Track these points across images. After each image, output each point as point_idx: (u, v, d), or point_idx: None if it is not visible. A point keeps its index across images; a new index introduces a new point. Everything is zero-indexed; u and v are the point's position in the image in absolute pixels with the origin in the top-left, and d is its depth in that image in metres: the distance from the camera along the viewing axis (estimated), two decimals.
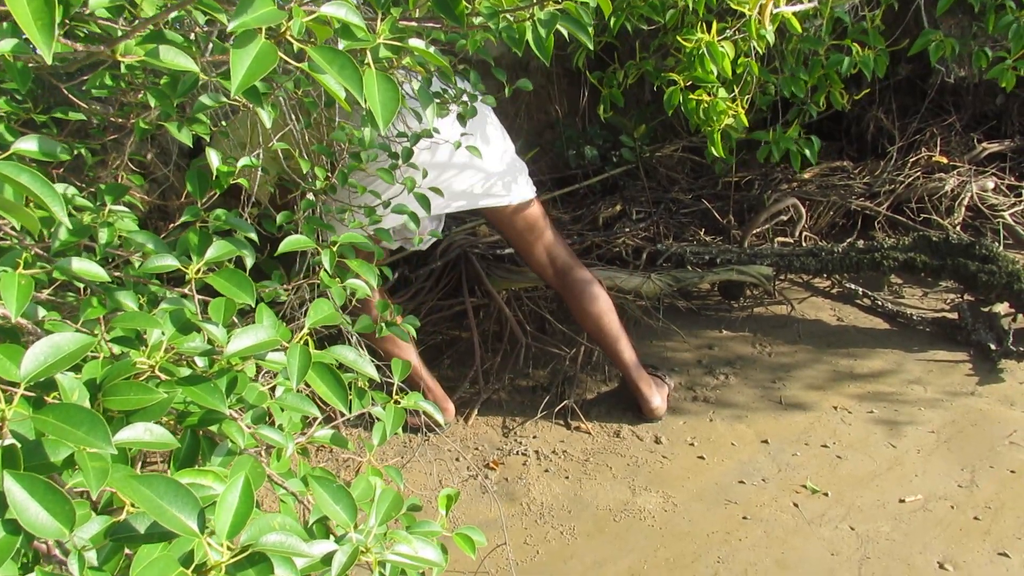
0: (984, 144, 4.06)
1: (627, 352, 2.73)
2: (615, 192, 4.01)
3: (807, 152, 2.81)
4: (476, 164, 2.33)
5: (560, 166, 4.12)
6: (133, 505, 0.67)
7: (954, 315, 3.26)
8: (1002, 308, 3.19)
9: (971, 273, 3.13)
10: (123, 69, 1.07)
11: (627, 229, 3.68)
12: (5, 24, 0.67)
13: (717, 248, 3.50)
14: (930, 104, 4.12)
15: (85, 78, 1.22)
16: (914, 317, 3.29)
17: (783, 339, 3.26)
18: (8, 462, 0.57)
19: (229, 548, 0.58)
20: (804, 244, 3.71)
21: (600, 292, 2.68)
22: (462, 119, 1.75)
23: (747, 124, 2.52)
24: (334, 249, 1.12)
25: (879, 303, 3.41)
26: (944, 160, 3.94)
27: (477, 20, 1.09)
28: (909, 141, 4.08)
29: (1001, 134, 4.22)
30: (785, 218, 3.82)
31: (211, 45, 1.02)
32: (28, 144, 0.69)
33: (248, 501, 0.60)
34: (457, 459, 2.63)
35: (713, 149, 2.50)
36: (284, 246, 1.04)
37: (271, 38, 0.68)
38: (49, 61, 0.55)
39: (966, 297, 3.32)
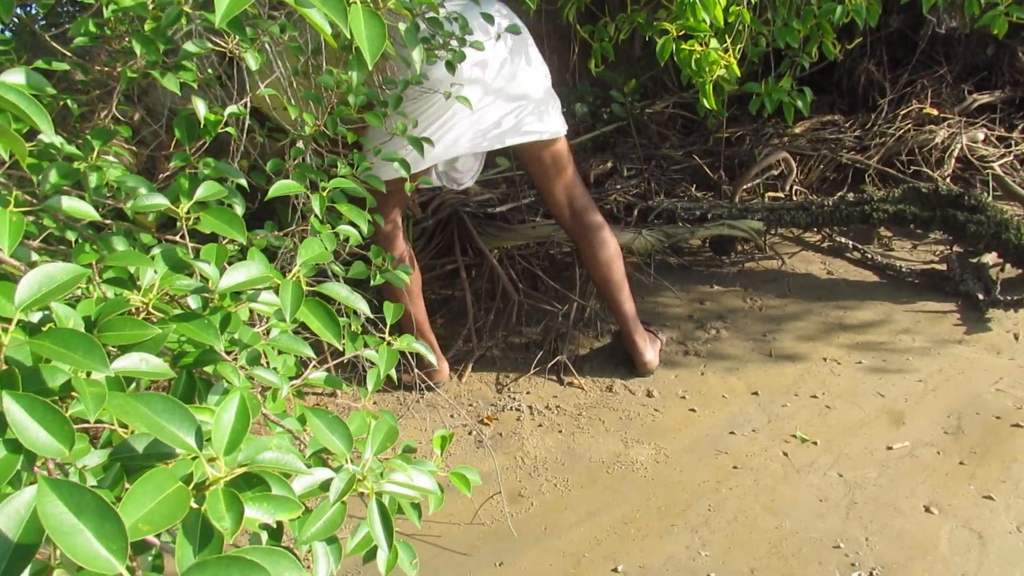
0: (975, 95, 4.06)
1: (628, 303, 2.74)
2: (606, 149, 4.00)
3: (799, 104, 2.80)
4: (519, 89, 2.33)
5: None
6: (131, 434, 0.68)
7: (943, 266, 3.29)
8: (990, 258, 3.22)
9: (960, 223, 3.15)
10: (107, 14, 1.06)
11: (618, 186, 3.68)
12: None
13: (708, 203, 3.51)
14: (921, 56, 4.10)
15: (68, 26, 1.21)
16: (903, 269, 3.32)
17: (774, 293, 3.28)
18: (7, 385, 0.58)
19: (226, 468, 0.59)
20: (795, 198, 3.72)
21: (611, 239, 2.69)
22: (451, 67, 1.74)
23: (739, 75, 2.51)
24: (324, 195, 1.12)
25: (869, 256, 3.43)
26: (935, 112, 3.94)
27: None
28: (900, 93, 4.07)
29: (991, 85, 4.21)
30: (776, 173, 3.82)
31: None
32: (16, 77, 0.69)
33: (244, 419, 0.61)
34: (452, 415, 2.65)
35: (705, 101, 2.49)
36: (274, 191, 1.04)
37: None
38: None
39: (955, 248, 3.34)
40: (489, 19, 1.91)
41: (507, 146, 2.43)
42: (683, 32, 2.32)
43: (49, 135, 0.62)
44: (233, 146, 1.50)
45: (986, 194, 3.54)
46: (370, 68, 0.80)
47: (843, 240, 3.54)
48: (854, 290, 3.27)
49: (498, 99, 2.30)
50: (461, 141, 2.29)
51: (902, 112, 3.94)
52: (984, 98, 4.05)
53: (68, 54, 1.31)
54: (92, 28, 1.16)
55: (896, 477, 2.25)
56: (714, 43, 2.34)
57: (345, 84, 1.33)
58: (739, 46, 2.50)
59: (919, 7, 2.65)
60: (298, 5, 0.74)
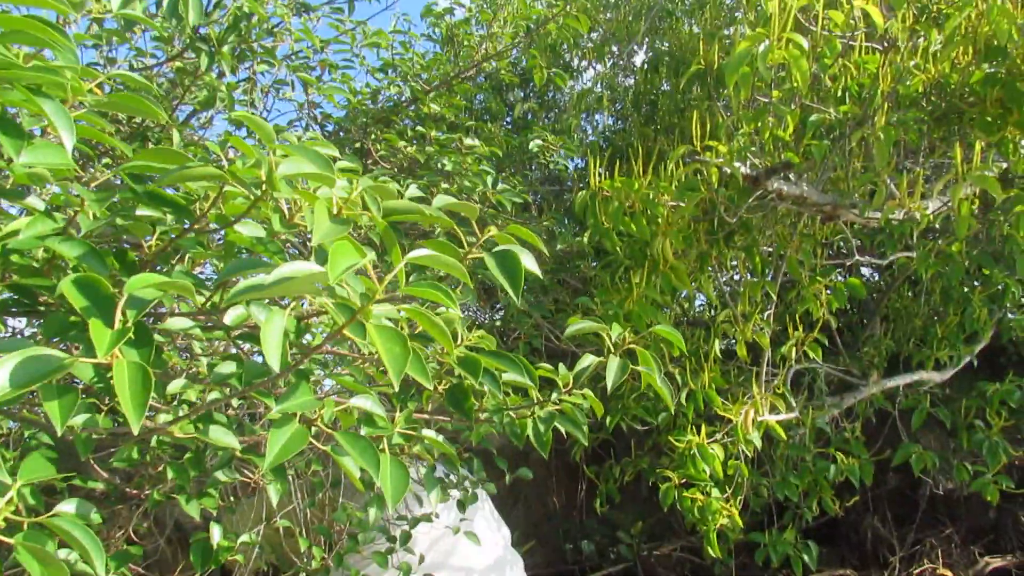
0: (986, 559, 3.99)
1: None
2: None
3: (806, 558, 2.78)
4: (460, 562, 2.26)
5: (557, 560, 4.02)
6: None
7: None
8: None
9: None
10: (153, 443, 1.16)
11: None
12: (79, 400, 0.78)
13: None
14: (925, 515, 4.14)
15: (112, 449, 1.31)
16: None
17: None
18: None
19: None
20: None
21: None
22: (462, 506, 1.79)
23: (742, 525, 2.54)
24: None
25: None
26: (949, 574, 3.84)
27: (483, 415, 1.20)
28: (910, 552, 4.02)
29: (1001, 548, 4.16)
30: None
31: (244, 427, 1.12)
32: (68, 507, 0.75)
33: None
34: None
35: (710, 549, 2.48)
36: None
37: (304, 423, 0.77)
38: (136, 433, 0.64)
39: None
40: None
41: None
42: (685, 480, 2.41)
43: (100, 571, 0.66)
44: (237, 571, 1.49)
45: None
46: (391, 510, 0.85)
47: None
48: None
49: (441, 570, 2.26)
50: None
51: (915, 572, 3.85)
52: (996, 562, 3.98)
53: (104, 475, 1.39)
54: (135, 455, 1.25)
55: None
56: (715, 492, 2.42)
57: (357, 520, 1.38)
58: (740, 497, 2.58)
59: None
60: (335, 453, 0.82)
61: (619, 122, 4.39)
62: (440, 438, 1.02)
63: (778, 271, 2.67)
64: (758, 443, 2.48)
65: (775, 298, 2.71)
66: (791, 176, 2.40)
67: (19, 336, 1.87)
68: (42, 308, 0.96)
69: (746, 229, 2.53)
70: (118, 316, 0.76)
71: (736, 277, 3.19)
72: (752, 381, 2.72)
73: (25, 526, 0.81)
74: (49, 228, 0.85)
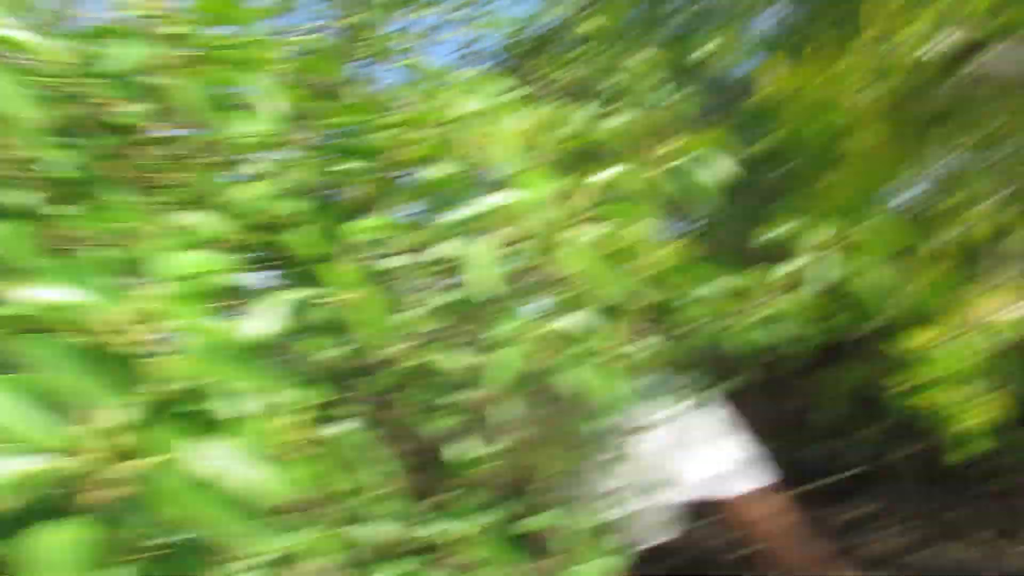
0: None
1: None
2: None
3: None
4: (700, 452, 2.26)
5: (782, 469, 3.91)
6: None
7: None
8: None
9: None
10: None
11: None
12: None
13: None
14: None
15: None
16: None
17: None
18: None
19: None
20: None
21: None
22: (691, 412, 1.80)
23: (994, 426, 2.33)
24: None
25: None
26: None
27: (693, 325, 1.19)
28: None
29: None
30: None
31: None
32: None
33: None
34: None
35: (954, 452, 2.31)
36: None
37: (519, 344, 0.79)
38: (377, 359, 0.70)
39: None
40: None
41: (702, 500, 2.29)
42: (923, 381, 2.25)
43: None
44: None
45: None
46: (612, 421, 0.87)
47: None
48: None
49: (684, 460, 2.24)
50: None
51: None
52: None
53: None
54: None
55: None
56: (958, 392, 2.24)
57: (588, 431, 1.43)
58: (990, 396, 2.36)
59: None
60: (555, 371, 0.84)
61: (797, 8, 4.04)
62: (657, 349, 1.03)
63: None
64: (1010, 337, 2.26)
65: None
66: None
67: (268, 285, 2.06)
68: (280, 261, 1.07)
69: (961, 108, 2.26)
70: (347, 259, 0.83)
71: (954, 162, 2.88)
72: (988, 274, 2.47)
73: None
74: (275, 189, 0.96)
